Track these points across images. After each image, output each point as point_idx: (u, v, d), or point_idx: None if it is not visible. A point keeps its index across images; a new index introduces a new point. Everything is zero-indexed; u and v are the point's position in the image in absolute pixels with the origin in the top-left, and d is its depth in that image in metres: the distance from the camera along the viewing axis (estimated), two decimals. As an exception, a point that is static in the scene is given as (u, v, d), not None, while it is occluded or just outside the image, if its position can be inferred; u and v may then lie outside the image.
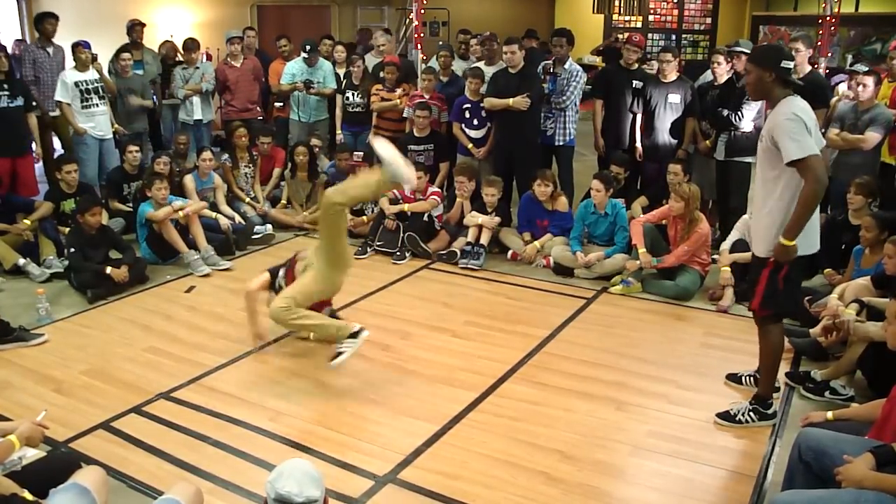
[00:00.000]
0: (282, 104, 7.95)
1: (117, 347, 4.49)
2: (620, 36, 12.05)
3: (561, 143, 6.52)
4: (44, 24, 6.99)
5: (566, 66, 6.44)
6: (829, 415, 3.19)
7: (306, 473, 2.02)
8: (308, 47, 7.42)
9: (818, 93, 5.57)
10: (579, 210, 5.89)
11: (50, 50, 7.02)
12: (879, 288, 4.12)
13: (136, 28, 7.75)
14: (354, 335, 3.94)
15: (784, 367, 4.10)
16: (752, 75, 3.37)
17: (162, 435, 3.55)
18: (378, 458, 3.37)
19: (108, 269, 5.24)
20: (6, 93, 6.14)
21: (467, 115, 6.55)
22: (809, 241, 3.36)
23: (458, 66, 7.36)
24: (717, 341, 4.58)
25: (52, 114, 6.98)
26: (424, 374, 4.18)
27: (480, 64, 6.89)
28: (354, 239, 6.48)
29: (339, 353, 3.91)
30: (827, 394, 3.84)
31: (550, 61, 6.56)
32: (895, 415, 2.69)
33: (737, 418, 3.62)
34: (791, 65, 3.37)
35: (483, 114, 6.47)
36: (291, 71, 7.50)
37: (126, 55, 7.19)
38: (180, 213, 5.82)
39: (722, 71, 6.04)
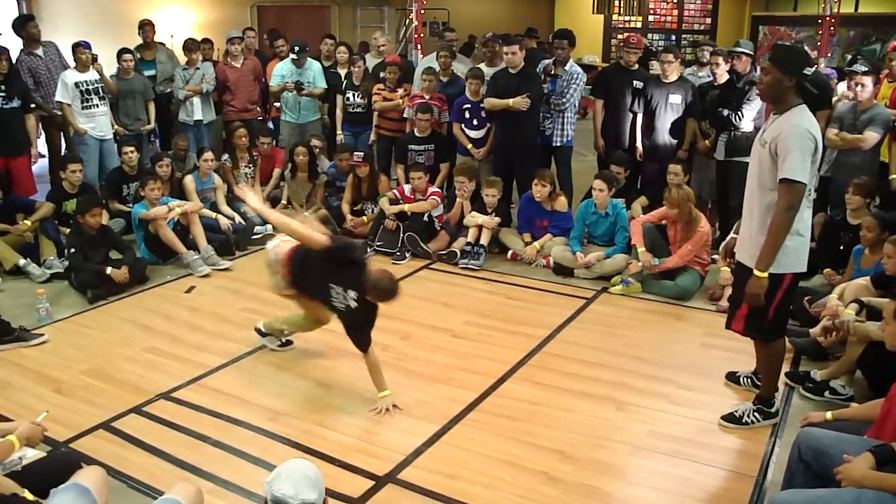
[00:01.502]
0: (280, 105, 7.95)
1: (117, 347, 4.50)
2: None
3: (559, 144, 6.53)
4: (26, 28, 6.94)
5: (567, 67, 6.43)
6: (829, 415, 3.19)
7: (304, 475, 2.01)
8: (297, 48, 7.41)
9: (822, 94, 5.57)
10: (579, 210, 5.89)
11: (39, 51, 7.00)
12: (879, 288, 4.12)
13: (145, 28, 7.77)
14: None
15: (784, 367, 4.10)
16: (770, 77, 3.19)
17: (162, 435, 3.56)
18: (378, 458, 3.37)
19: (109, 270, 5.24)
20: (2, 94, 6.15)
21: (467, 115, 6.55)
22: (798, 261, 3.30)
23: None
24: (717, 341, 4.57)
25: (59, 112, 6.99)
26: (424, 374, 4.19)
27: (481, 65, 6.90)
28: (354, 239, 6.48)
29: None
30: (827, 393, 3.84)
31: (551, 62, 6.56)
32: (894, 414, 2.69)
33: (743, 420, 3.62)
34: (811, 71, 3.22)
35: (483, 114, 6.47)
36: (280, 72, 7.48)
37: (127, 56, 7.19)
38: (176, 211, 5.82)
39: (721, 71, 6.05)
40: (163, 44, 8.00)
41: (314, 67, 7.54)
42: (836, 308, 4.00)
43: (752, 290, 3.25)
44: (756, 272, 3.23)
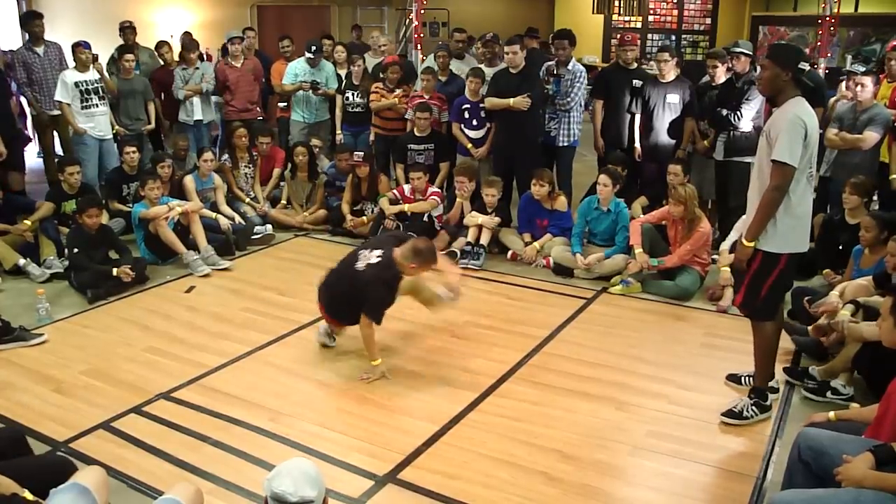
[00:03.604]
0: (286, 104, 7.95)
1: (117, 347, 4.49)
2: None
3: (565, 145, 6.52)
4: (30, 25, 7.05)
5: (569, 66, 6.43)
6: (832, 415, 3.19)
7: (304, 473, 2.01)
8: (313, 48, 7.41)
9: (815, 92, 5.58)
10: (581, 206, 5.90)
11: (40, 49, 7.04)
12: (881, 287, 4.12)
13: (126, 30, 7.78)
14: None
15: (784, 364, 4.10)
16: (768, 72, 3.41)
17: (162, 435, 3.56)
18: (378, 458, 3.37)
19: (115, 271, 5.23)
20: None
21: (466, 115, 6.55)
22: (796, 241, 3.45)
23: (454, 66, 7.35)
24: (717, 341, 4.58)
25: (50, 113, 7.00)
26: (424, 374, 4.18)
27: (481, 65, 6.90)
28: (354, 239, 6.49)
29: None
30: (828, 394, 3.84)
31: (553, 62, 6.55)
32: (891, 412, 2.69)
33: (743, 414, 3.66)
34: (806, 66, 3.48)
35: (482, 114, 6.47)
36: (294, 71, 7.49)
37: (129, 56, 7.21)
38: (176, 210, 5.82)
39: (719, 73, 6.06)
40: (137, 43, 8.00)
41: (328, 68, 7.55)
42: (836, 304, 4.01)
43: (738, 255, 3.57)
44: (743, 241, 3.49)
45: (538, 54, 7.46)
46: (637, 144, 6.46)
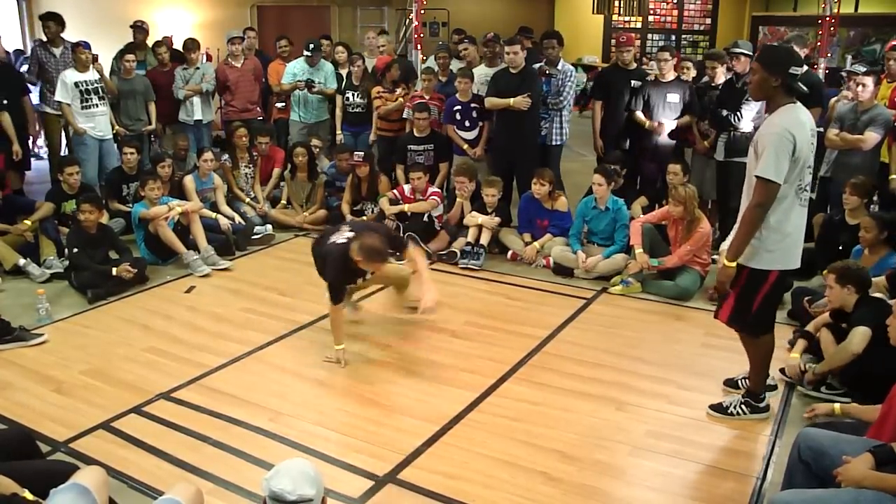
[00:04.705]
0: (283, 105, 7.95)
1: (117, 347, 4.49)
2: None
3: (557, 143, 6.55)
4: (45, 25, 7.11)
5: (559, 66, 6.47)
6: (837, 407, 3.18)
7: (302, 472, 2.01)
8: (311, 46, 7.41)
9: (812, 92, 5.58)
10: (580, 206, 5.90)
11: (57, 51, 7.09)
12: (894, 286, 4.14)
13: (136, 28, 7.78)
14: None
15: (782, 365, 4.10)
16: (757, 76, 3.24)
17: (162, 435, 3.56)
18: (378, 458, 3.37)
19: (115, 271, 5.23)
20: None
21: (458, 116, 6.55)
22: (784, 258, 3.33)
23: (455, 66, 7.35)
24: (717, 341, 4.57)
25: (54, 112, 7.00)
26: (424, 374, 4.19)
27: (482, 65, 6.90)
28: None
29: None
30: (823, 389, 3.84)
31: (542, 62, 6.57)
32: (893, 414, 2.69)
33: (728, 411, 3.66)
34: (800, 71, 3.21)
35: (474, 114, 6.48)
36: (293, 70, 7.49)
37: (130, 56, 7.21)
38: (177, 210, 5.82)
39: (718, 74, 6.06)
40: (146, 43, 8.00)
41: (326, 68, 7.55)
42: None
43: (719, 276, 3.41)
44: (724, 261, 3.34)
45: (530, 54, 7.48)
46: (640, 114, 6.33)
